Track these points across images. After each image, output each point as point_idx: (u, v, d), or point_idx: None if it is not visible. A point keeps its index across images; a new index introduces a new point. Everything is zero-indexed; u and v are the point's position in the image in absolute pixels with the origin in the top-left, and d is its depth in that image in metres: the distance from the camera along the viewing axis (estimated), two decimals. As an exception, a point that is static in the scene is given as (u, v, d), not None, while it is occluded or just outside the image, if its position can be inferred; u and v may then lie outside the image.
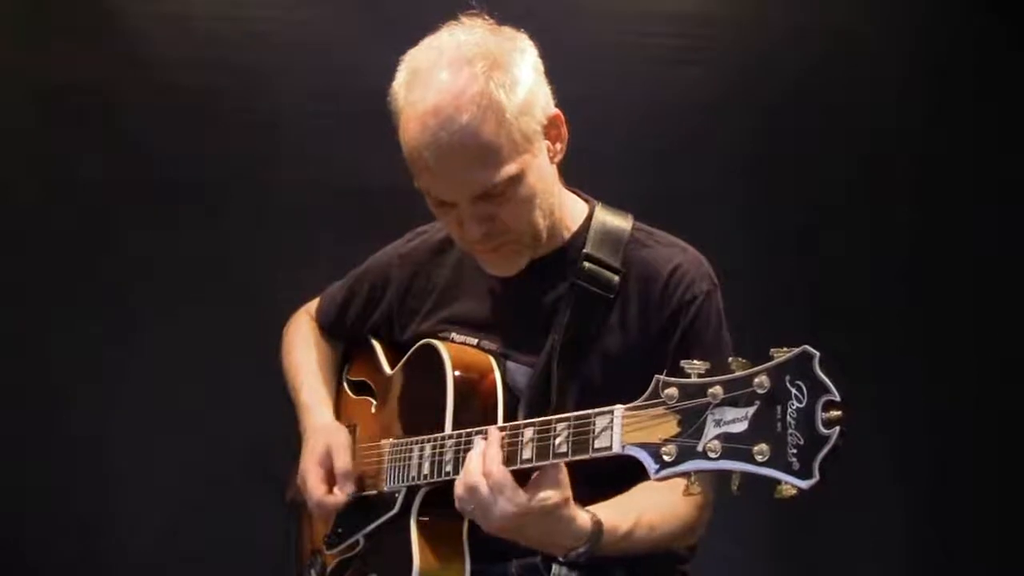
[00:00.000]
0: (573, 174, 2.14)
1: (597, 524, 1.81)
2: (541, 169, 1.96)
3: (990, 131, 3.50)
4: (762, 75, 3.48)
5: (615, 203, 2.16)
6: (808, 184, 3.50)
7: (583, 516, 1.80)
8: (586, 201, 2.16)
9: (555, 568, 1.98)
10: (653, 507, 1.91)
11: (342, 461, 2.11)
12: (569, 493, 1.76)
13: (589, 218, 2.11)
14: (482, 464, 1.75)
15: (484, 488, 1.74)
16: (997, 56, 3.52)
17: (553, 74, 2.01)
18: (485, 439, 1.81)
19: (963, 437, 3.46)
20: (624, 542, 1.86)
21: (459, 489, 1.78)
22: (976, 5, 3.56)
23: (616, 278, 2.02)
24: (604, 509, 1.85)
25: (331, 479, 2.12)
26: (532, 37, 2.00)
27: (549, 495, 1.73)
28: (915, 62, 3.52)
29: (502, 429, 1.82)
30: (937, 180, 3.51)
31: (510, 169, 1.89)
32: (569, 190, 2.15)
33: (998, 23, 3.52)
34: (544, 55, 2.00)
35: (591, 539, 1.80)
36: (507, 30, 1.98)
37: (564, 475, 1.75)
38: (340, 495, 2.09)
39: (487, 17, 1.98)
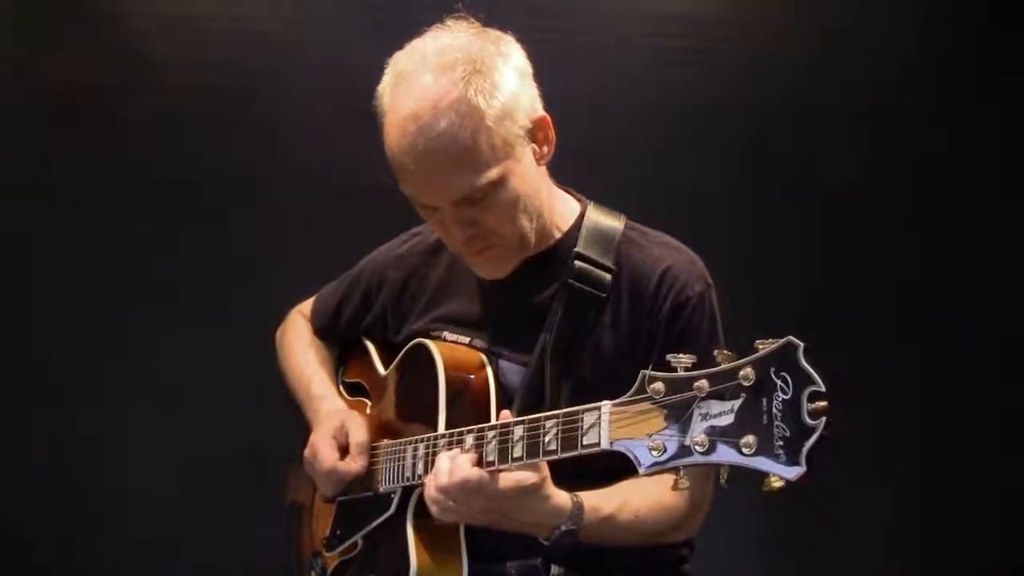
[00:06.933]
0: (572, 174, 2.14)
1: (577, 502, 1.84)
2: (525, 173, 1.95)
3: (990, 131, 3.50)
4: (762, 75, 3.48)
5: (614, 203, 2.15)
6: (808, 184, 3.50)
7: (563, 494, 1.83)
8: (579, 200, 2.15)
9: (555, 568, 1.98)
10: (638, 495, 1.91)
11: (358, 434, 2.09)
12: (547, 473, 1.79)
13: (581, 217, 2.10)
14: (451, 472, 1.79)
15: (456, 491, 1.78)
16: (997, 56, 3.52)
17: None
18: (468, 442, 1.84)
19: (962, 437, 3.45)
20: (607, 525, 1.87)
21: (431, 496, 1.82)
22: (976, 5, 3.56)
23: (608, 277, 2.02)
24: (587, 493, 1.87)
25: (344, 453, 2.10)
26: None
27: (526, 476, 1.77)
28: (915, 62, 3.52)
29: (492, 427, 1.82)
30: (937, 180, 3.51)
31: (490, 174, 1.89)
32: (563, 189, 2.14)
33: (998, 23, 3.52)
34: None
35: (572, 516, 1.82)
36: (492, 33, 1.97)
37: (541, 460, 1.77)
38: (354, 464, 2.07)
39: (473, 20, 1.97)
